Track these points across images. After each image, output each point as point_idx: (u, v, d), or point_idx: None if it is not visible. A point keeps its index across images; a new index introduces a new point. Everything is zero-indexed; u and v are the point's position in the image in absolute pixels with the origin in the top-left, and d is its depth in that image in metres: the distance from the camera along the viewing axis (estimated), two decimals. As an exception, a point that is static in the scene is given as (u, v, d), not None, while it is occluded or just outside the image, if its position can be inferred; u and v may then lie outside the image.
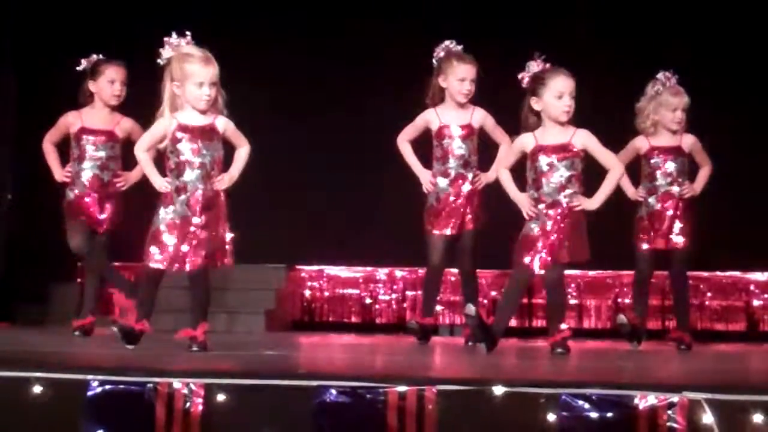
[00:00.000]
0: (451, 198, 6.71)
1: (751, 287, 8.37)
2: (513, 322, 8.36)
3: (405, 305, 8.68)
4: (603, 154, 6.06)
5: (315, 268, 8.76)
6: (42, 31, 8.50)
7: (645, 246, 6.80)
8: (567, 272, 6.26)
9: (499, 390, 4.14)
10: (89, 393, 4.29)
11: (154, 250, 5.68)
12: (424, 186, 6.78)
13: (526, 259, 5.99)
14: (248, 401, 4.23)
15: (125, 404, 4.28)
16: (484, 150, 6.78)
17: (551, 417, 4.09)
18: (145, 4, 8.47)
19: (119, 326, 5.72)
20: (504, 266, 8.11)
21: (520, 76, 6.14)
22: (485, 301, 8.24)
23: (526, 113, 6.09)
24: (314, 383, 4.24)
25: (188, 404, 4.24)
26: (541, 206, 6.00)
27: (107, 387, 4.30)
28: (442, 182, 6.73)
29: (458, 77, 6.68)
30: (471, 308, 6.10)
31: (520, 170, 6.17)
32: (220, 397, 4.24)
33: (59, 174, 7.03)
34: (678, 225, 6.77)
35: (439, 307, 8.61)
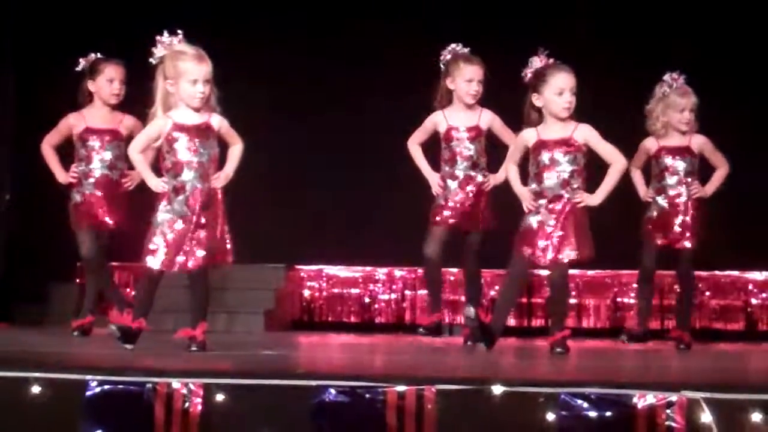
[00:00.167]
0: (459, 197, 6.71)
1: (750, 286, 8.37)
2: (512, 321, 8.39)
3: (404, 305, 8.68)
4: (605, 149, 6.08)
5: (314, 267, 8.76)
6: (41, 30, 8.49)
7: (653, 242, 6.80)
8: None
9: (498, 389, 4.14)
10: (88, 393, 4.29)
11: (153, 250, 5.67)
12: (433, 189, 6.79)
13: (525, 251, 6.00)
14: (247, 401, 4.24)
15: (124, 404, 4.27)
16: (492, 152, 6.77)
17: (550, 416, 4.09)
18: (144, 3, 8.47)
19: (117, 326, 5.72)
20: (503, 266, 8.16)
21: (522, 73, 6.16)
22: (484, 301, 8.22)
23: (528, 109, 6.12)
24: (313, 383, 4.24)
25: (187, 404, 4.24)
26: (543, 201, 6.02)
27: (106, 387, 4.29)
28: (451, 184, 6.73)
29: (466, 78, 6.69)
30: (471, 311, 6.11)
31: (524, 165, 6.19)
32: (219, 397, 4.24)
33: (63, 176, 6.99)
34: (686, 224, 6.78)
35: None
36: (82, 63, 7.06)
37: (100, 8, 8.53)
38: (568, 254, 5.97)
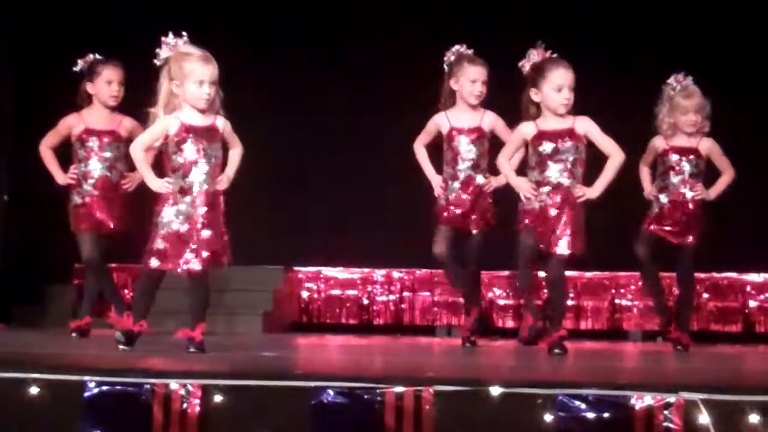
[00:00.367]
0: (460, 197, 6.71)
1: (748, 288, 8.38)
2: (510, 323, 8.41)
3: (403, 306, 8.68)
4: (604, 141, 6.09)
5: (312, 269, 8.76)
6: (39, 31, 8.49)
7: (651, 236, 6.80)
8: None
9: (496, 390, 4.14)
10: (86, 394, 4.29)
11: (157, 250, 5.65)
12: (435, 191, 6.80)
13: (527, 220, 6.03)
14: (245, 402, 4.23)
15: (122, 405, 4.27)
16: (494, 153, 6.77)
17: (548, 417, 4.09)
18: (144, 4, 8.47)
19: (122, 332, 5.72)
20: (504, 267, 8.17)
21: (520, 64, 6.18)
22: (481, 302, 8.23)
23: (526, 103, 6.13)
24: (312, 384, 4.23)
25: (185, 405, 4.24)
26: (545, 188, 6.02)
27: (104, 388, 4.29)
28: (453, 185, 6.74)
29: (470, 78, 6.70)
30: None
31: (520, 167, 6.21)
32: (218, 398, 4.24)
33: (62, 177, 6.98)
34: (687, 222, 6.78)
35: (435, 308, 8.64)
36: (80, 64, 7.06)
37: (98, 9, 8.53)
38: (564, 249, 5.98)
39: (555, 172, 6.02)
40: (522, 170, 6.27)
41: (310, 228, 8.49)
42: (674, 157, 6.81)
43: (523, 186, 6.10)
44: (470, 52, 6.79)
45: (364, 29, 8.50)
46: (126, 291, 8.12)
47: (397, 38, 8.34)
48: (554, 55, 6.20)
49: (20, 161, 8.05)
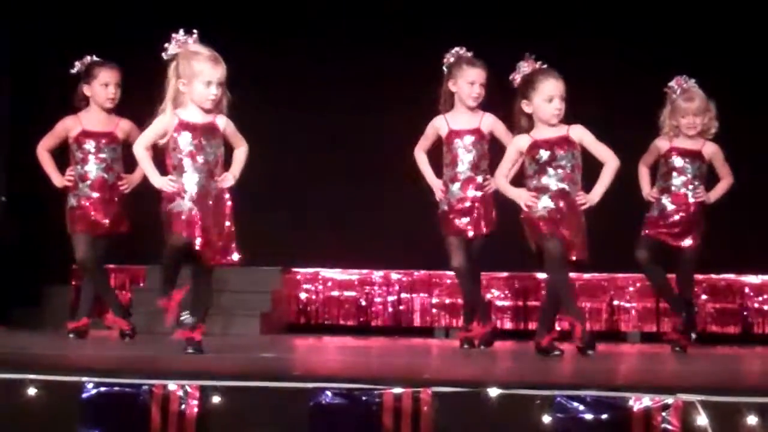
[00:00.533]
0: (464, 200, 6.70)
1: (746, 290, 8.38)
2: (508, 324, 8.41)
3: (401, 308, 8.68)
4: (599, 148, 6.09)
5: (310, 270, 8.76)
6: (36, 33, 8.49)
7: (651, 238, 6.80)
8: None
9: (494, 392, 4.14)
10: (84, 395, 4.28)
11: (178, 225, 5.55)
12: (436, 195, 6.79)
13: (544, 228, 5.97)
14: (244, 403, 4.23)
15: (120, 406, 4.27)
16: (494, 155, 6.76)
17: (546, 419, 4.09)
18: (143, 5, 8.47)
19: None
20: (503, 267, 8.17)
21: (511, 77, 6.17)
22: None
23: (518, 115, 6.12)
24: (310, 385, 4.23)
25: (183, 406, 4.23)
26: (546, 196, 6.00)
27: (102, 389, 4.29)
28: (453, 187, 6.73)
29: (468, 80, 6.69)
30: None
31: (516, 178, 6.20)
32: (216, 399, 4.24)
33: (59, 180, 6.97)
34: (688, 224, 6.78)
35: (434, 310, 8.64)
36: (77, 66, 7.04)
37: (96, 11, 8.53)
38: (572, 254, 5.98)
39: (554, 178, 6.01)
40: (518, 182, 6.24)
41: (308, 229, 8.49)
42: (677, 159, 6.82)
43: (522, 195, 6.06)
44: (469, 54, 6.79)
45: (365, 29, 8.50)
46: (124, 292, 8.12)
47: (397, 38, 8.34)
48: (544, 66, 6.18)
49: (18, 163, 8.04)
